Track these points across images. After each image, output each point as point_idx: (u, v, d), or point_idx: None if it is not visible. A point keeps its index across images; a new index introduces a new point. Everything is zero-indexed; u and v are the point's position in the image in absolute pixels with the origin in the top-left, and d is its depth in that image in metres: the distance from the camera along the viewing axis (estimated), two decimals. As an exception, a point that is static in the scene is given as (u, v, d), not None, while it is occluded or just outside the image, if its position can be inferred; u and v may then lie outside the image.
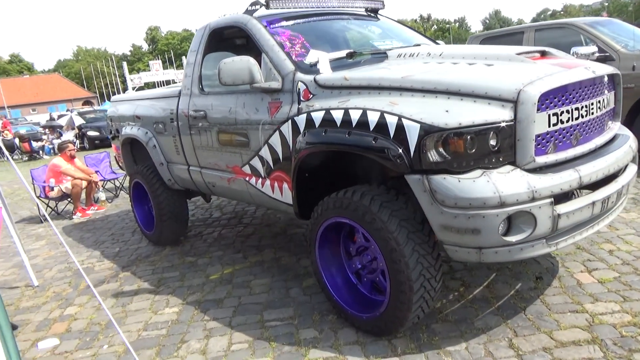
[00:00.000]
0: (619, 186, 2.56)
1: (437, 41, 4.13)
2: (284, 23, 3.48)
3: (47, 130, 20.16)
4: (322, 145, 2.69)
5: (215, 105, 3.63)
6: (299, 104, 2.92)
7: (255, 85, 3.09)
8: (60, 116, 25.33)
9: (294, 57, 3.12)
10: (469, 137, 2.20)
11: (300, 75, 2.97)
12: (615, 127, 2.93)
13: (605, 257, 3.38)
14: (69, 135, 17.46)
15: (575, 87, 2.43)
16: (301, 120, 2.85)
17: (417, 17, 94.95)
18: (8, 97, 56.82)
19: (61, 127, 20.05)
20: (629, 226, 3.88)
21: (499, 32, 6.89)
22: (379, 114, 2.41)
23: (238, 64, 3.02)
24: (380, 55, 3.12)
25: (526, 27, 6.38)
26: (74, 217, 6.72)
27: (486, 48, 2.92)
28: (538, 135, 2.29)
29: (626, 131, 3.02)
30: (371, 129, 2.42)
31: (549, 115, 2.32)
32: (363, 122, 2.46)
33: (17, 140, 17.39)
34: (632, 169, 2.82)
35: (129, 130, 4.88)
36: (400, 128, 2.31)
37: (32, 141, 16.91)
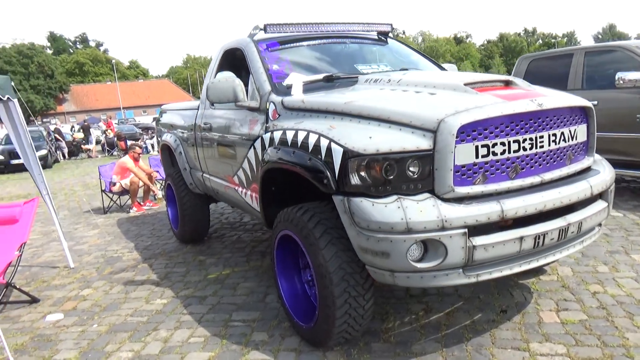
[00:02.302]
0: (563, 223, 2.46)
1: (443, 66, 4.15)
2: (280, 46, 3.74)
3: (143, 131, 22.27)
4: (275, 163, 2.90)
5: (217, 118, 3.98)
6: (267, 122, 3.16)
7: (239, 104, 3.38)
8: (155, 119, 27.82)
9: (274, 79, 3.36)
10: (386, 163, 2.29)
11: (272, 96, 3.21)
12: (587, 161, 2.80)
13: (585, 298, 3.18)
14: (159, 137, 19.14)
15: (515, 120, 2.40)
16: (267, 138, 3.08)
17: (522, 30, 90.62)
18: (124, 99, 63.63)
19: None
20: (633, 269, 3.58)
21: (548, 53, 6.56)
22: (317, 136, 2.57)
23: (224, 83, 3.33)
24: (352, 80, 3.25)
25: (576, 49, 6.03)
26: (130, 211, 7.51)
27: (441, 76, 2.93)
28: (462, 166, 2.31)
29: (602, 166, 2.87)
30: (309, 149, 2.59)
31: (477, 147, 2.32)
32: (304, 143, 2.64)
33: (116, 139, 19.46)
34: (596, 206, 2.68)
35: (164, 137, 5.44)
36: (329, 151, 2.45)
37: (127, 140, 18.77)
